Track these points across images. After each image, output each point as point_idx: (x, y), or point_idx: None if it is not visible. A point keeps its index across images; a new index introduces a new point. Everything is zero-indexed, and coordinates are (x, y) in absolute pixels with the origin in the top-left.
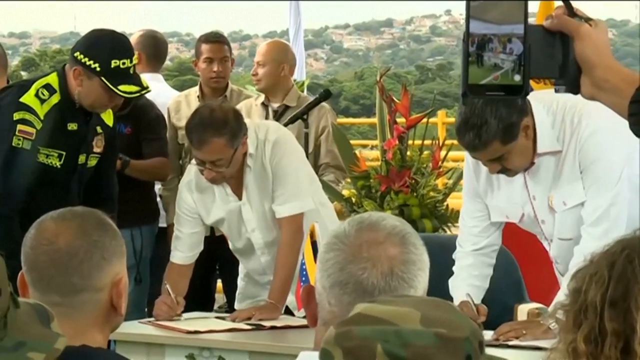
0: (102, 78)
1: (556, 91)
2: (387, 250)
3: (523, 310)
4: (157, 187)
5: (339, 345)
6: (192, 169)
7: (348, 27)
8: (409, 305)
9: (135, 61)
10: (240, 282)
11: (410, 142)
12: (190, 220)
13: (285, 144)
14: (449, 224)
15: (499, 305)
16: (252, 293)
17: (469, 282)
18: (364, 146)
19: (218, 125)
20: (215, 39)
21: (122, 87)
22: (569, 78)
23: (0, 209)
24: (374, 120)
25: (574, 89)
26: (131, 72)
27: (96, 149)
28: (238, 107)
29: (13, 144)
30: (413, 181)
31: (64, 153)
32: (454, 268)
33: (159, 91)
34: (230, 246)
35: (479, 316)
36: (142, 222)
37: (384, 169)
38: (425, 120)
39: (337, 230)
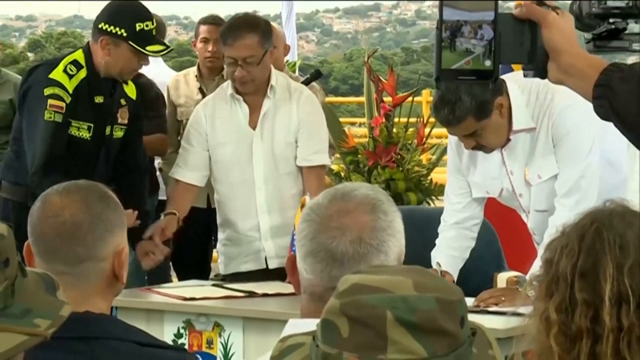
0: (130, 42)
1: (525, 76)
2: (357, 218)
3: (502, 279)
4: (157, 161)
5: (345, 315)
6: (210, 96)
7: (338, 11)
8: (398, 274)
9: (155, 24)
10: (221, 248)
11: (396, 119)
12: (198, 136)
13: (317, 102)
14: (433, 197)
15: (479, 274)
16: (235, 253)
17: (446, 253)
18: (353, 124)
19: (251, 23)
20: (213, 21)
21: (150, 48)
22: (537, 64)
23: (42, 180)
24: (362, 99)
25: (542, 74)
26: (154, 33)
27: (121, 121)
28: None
29: (45, 118)
30: (399, 156)
31: (92, 125)
32: (436, 241)
33: (158, 71)
34: (218, 186)
35: None
36: None
37: (371, 145)
38: (410, 99)
39: (313, 202)
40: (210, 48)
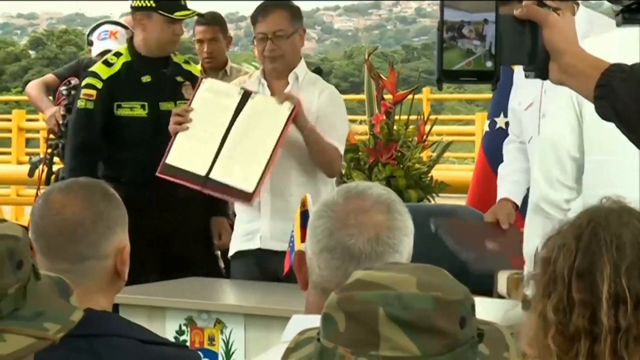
0: (160, 11)
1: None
2: (373, 217)
3: (503, 276)
4: None
5: (342, 309)
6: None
7: (338, 8)
8: (404, 272)
9: None
10: (236, 228)
11: (396, 117)
12: None
13: (341, 101)
14: (434, 194)
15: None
16: (238, 232)
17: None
18: (353, 121)
19: (281, 3)
20: (205, 22)
21: (178, 13)
22: (538, 64)
23: (73, 162)
24: (363, 96)
25: (543, 74)
26: (182, 3)
27: (188, 97)
28: (233, 82)
29: (78, 106)
30: (399, 154)
31: (146, 103)
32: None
33: None
34: None
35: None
36: None
37: (372, 142)
38: (410, 96)
39: (326, 199)
40: (205, 49)
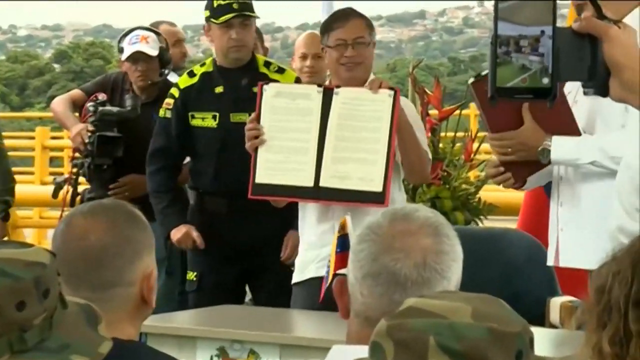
0: (211, 19)
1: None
2: (420, 240)
3: (555, 304)
4: None
5: (391, 337)
6: None
7: (380, 18)
8: (460, 301)
9: None
10: (300, 252)
11: (442, 134)
12: None
13: (413, 108)
14: (481, 217)
15: (531, 298)
16: (311, 257)
17: None
18: None
19: (356, 12)
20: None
21: (222, 18)
22: (598, 80)
23: (149, 168)
24: None
25: (603, 91)
26: (234, 6)
27: None
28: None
29: (160, 115)
30: (445, 173)
31: (217, 114)
32: None
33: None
34: None
35: None
36: None
37: None
38: (457, 112)
39: (370, 222)
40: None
